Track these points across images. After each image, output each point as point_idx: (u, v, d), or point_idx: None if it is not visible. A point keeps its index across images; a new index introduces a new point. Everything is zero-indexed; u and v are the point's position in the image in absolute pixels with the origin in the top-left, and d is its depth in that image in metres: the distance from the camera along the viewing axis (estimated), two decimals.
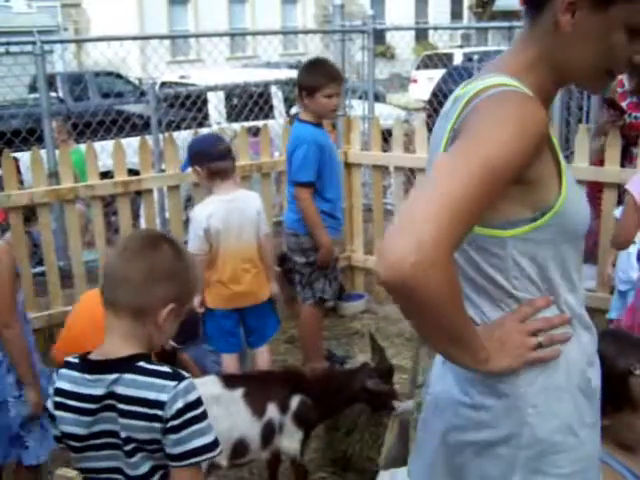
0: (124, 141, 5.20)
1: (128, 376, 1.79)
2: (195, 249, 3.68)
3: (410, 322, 1.36)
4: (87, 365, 1.84)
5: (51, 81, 7.45)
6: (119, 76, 14.20)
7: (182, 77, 10.62)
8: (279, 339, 5.03)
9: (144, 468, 1.84)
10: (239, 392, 3.11)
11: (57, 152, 5.12)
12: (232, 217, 3.80)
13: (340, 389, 3.32)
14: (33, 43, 5.14)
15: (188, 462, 1.79)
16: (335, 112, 4.30)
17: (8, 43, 5.45)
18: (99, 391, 1.80)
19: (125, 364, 1.80)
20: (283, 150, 5.92)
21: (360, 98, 7.45)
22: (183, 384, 1.78)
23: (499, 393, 1.46)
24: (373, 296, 5.79)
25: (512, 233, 1.42)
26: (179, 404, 1.75)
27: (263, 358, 4.05)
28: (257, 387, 3.20)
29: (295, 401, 3.19)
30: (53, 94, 8.90)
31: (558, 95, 5.96)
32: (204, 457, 1.81)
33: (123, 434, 1.80)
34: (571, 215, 1.44)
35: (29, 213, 4.96)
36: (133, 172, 5.31)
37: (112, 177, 5.11)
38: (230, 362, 4.03)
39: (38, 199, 4.74)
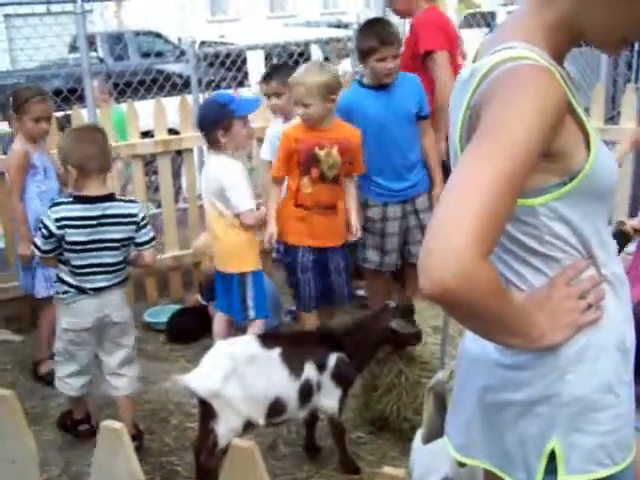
0: (164, 100, 5.21)
1: (114, 203, 3.29)
2: None
3: (462, 325, 1.42)
4: (84, 200, 3.23)
5: (91, 41, 7.46)
6: (158, 35, 14.19)
7: (221, 36, 10.58)
8: None
9: (120, 257, 3.36)
10: (276, 352, 3.12)
11: (98, 111, 5.14)
12: (204, 180, 3.90)
13: (368, 334, 3.35)
14: (74, 1, 5.13)
15: (153, 243, 3.43)
16: (391, 76, 4.06)
17: (49, 2, 5.46)
18: (96, 213, 3.23)
19: (109, 197, 3.29)
20: None
21: None
22: (140, 204, 3.60)
23: (538, 352, 1.45)
24: None
25: (542, 200, 1.42)
26: (142, 214, 3.37)
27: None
28: (294, 346, 3.21)
29: (332, 359, 3.20)
30: (93, 54, 8.93)
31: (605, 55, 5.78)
32: (155, 242, 3.46)
33: (116, 236, 3.29)
34: (601, 176, 1.43)
35: None
36: (173, 131, 5.32)
37: (152, 136, 5.13)
38: (217, 321, 4.11)
39: None
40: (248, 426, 3.04)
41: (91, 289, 3.30)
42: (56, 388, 3.56)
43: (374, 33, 4.02)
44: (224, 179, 3.73)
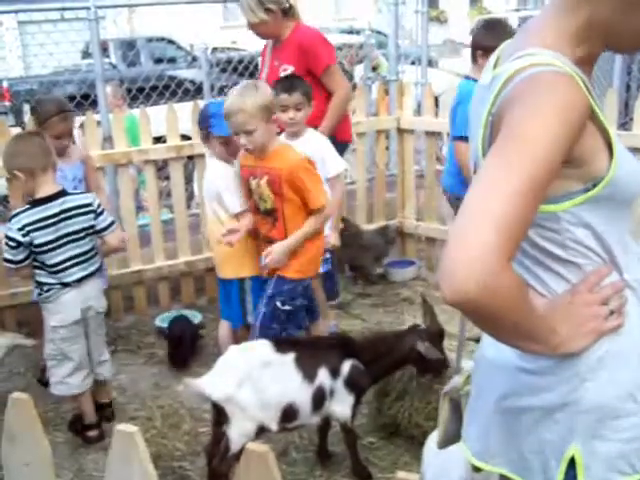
0: (177, 106, 5.22)
1: (67, 197, 3.47)
2: None
3: (483, 330, 1.42)
4: (40, 202, 3.40)
5: (104, 47, 7.49)
6: (171, 41, 14.20)
7: (234, 42, 10.60)
8: (331, 304, 5.03)
9: (89, 246, 3.55)
10: (290, 357, 3.12)
11: (110, 117, 5.16)
12: (205, 182, 3.94)
13: (390, 350, 3.32)
14: (87, 8, 5.16)
15: (114, 227, 3.62)
16: None
17: (63, 9, 5.48)
18: (55, 210, 3.41)
19: (62, 193, 3.47)
20: None
21: (413, 63, 7.35)
22: (93, 193, 3.75)
23: (559, 358, 1.44)
24: (425, 263, 5.76)
25: (565, 207, 1.42)
26: (97, 202, 3.57)
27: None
28: (308, 352, 3.21)
29: (347, 366, 3.19)
30: (106, 60, 8.96)
31: (619, 58, 5.77)
32: (116, 224, 3.69)
33: (78, 227, 3.48)
34: (624, 182, 1.42)
35: None
36: (186, 137, 5.33)
37: (165, 142, 5.15)
38: (221, 328, 4.07)
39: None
40: (261, 431, 3.04)
41: (73, 281, 3.48)
42: (54, 394, 3.66)
43: (509, 35, 4.03)
44: (218, 181, 3.79)
